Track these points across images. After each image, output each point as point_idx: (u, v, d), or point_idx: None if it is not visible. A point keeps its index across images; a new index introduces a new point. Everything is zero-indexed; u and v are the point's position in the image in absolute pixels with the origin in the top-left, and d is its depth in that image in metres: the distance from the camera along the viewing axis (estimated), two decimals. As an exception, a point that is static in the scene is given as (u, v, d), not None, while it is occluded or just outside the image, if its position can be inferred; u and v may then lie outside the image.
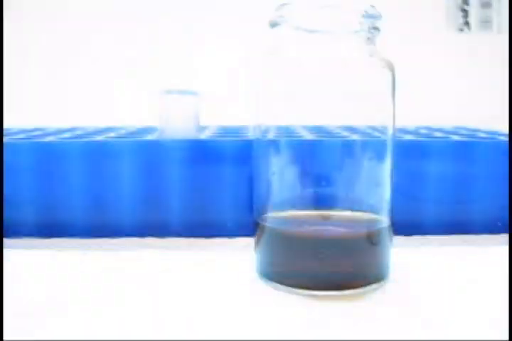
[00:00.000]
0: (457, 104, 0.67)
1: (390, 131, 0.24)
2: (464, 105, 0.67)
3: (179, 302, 0.22)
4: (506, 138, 0.34)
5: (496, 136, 0.37)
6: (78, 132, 0.39)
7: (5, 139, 0.33)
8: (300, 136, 0.31)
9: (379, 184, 0.24)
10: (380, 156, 0.24)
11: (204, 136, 0.35)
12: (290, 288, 0.23)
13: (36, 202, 0.32)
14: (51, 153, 0.31)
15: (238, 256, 0.29)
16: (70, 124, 0.48)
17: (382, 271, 0.24)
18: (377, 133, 0.24)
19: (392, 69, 0.24)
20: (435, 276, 0.25)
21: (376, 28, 0.24)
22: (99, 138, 0.33)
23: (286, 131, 0.25)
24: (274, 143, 0.25)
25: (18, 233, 0.31)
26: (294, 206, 0.25)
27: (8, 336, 0.19)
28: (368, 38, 0.24)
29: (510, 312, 0.21)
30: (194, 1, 0.46)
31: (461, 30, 0.68)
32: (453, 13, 0.68)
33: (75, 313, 0.21)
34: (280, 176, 0.24)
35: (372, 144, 0.24)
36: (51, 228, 0.32)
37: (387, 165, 0.24)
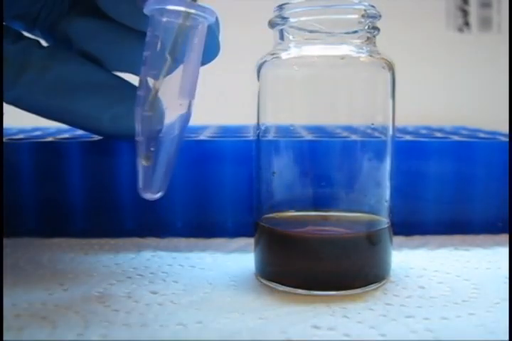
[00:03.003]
0: (457, 104, 0.67)
1: (390, 131, 0.24)
2: (463, 105, 0.67)
3: (178, 303, 0.22)
4: (506, 138, 0.34)
5: (496, 136, 0.37)
6: (78, 132, 0.39)
7: (5, 139, 0.33)
8: (300, 136, 0.31)
9: (379, 184, 0.24)
10: (380, 156, 0.24)
11: (204, 136, 0.35)
12: (290, 288, 0.23)
13: (36, 202, 0.32)
14: (51, 153, 0.31)
15: (238, 256, 0.29)
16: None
17: (382, 271, 0.24)
18: (377, 134, 0.24)
19: (392, 69, 0.24)
20: (435, 276, 0.25)
21: (376, 28, 0.24)
22: (99, 138, 0.33)
23: (286, 131, 0.25)
24: (274, 143, 0.25)
25: (18, 233, 0.31)
26: (294, 206, 0.25)
27: (8, 336, 0.19)
28: (368, 38, 0.24)
29: (510, 312, 0.21)
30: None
31: (461, 30, 0.68)
32: (453, 13, 0.68)
33: (75, 314, 0.21)
34: (280, 176, 0.25)
35: (372, 144, 0.24)
36: (51, 228, 0.32)
37: (387, 166, 0.24)
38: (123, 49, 0.27)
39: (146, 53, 0.22)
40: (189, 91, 0.23)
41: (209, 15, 0.22)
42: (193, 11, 0.22)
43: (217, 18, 0.25)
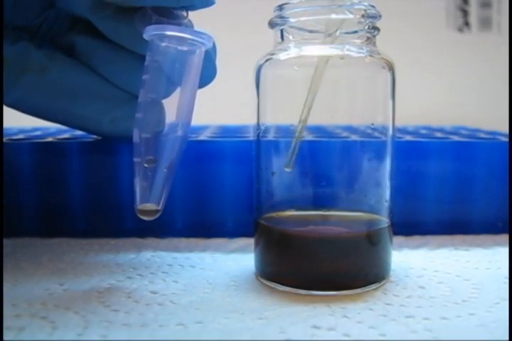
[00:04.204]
0: (457, 104, 0.67)
1: (390, 131, 0.24)
2: (463, 105, 0.67)
3: (178, 303, 0.22)
4: (506, 138, 0.34)
5: (496, 136, 0.37)
6: (78, 132, 0.39)
7: (5, 139, 0.33)
8: (300, 136, 0.31)
9: (379, 184, 0.24)
10: (380, 156, 0.24)
11: (204, 136, 0.35)
12: (290, 288, 0.23)
13: (36, 202, 0.32)
14: (51, 153, 0.31)
15: (238, 256, 0.29)
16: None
17: (382, 270, 0.24)
18: (377, 134, 0.24)
19: (392, 69, 0.24)
20: (435, 276, 0.25)
21: (376, 28, 0.24)
22: (98, 138, 0.33)
23: (286, 131, 0.25)
24: (274, 143, 0.25)
25: (18, 233, 0.31)
26: (294, 206, 0.25)
27: (8, 336, 0.19)
28: (368, 38, 0.24)
29: (510, 312, 0.21)
30: None
31: (461, 30, 0.68)
32: (453, 13, 0.68)
33: (75, 314, 0.21)
34: (280, 176, 0.25)
35: (372, 144, 0.24)
36: (51, 228, 0.32)
37: (387, 166, 0.24)
38: (121, 69, 0.27)
39: (145, 77, 0.23)
40: (186, 114, 0.24)
41: (206, 40, 0.23)
42: (191, 36, 0.22)
43: (214, 43, 0.26)
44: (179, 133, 0.23)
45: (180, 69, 0.23)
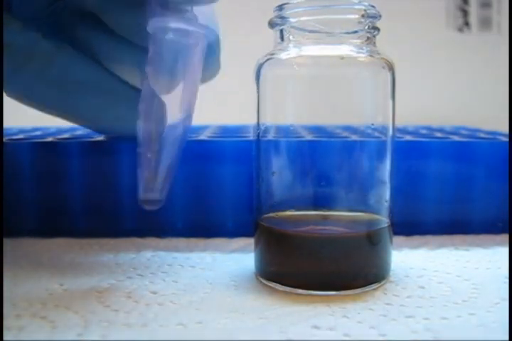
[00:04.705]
0: (457, 104, 0.67)
1: (390, 131, 0.24)
2: (463, 105, 0.67)
3: (178, 303, 0.22)
4: (506, 138, 0.34)
5: (496, 136, 0.37)
6: (78, 132, 0.39)
7: (5, 139, 0.33)
8: (300, 136, 0.31)
9: (379, 184, 0.24)
10: (380, 156, 0.24)
11: (204, 136, 0.35)
12: (290, 288, 0.23)
13: (36, 202, 0.32)
14: (51, 153, 0.31)
15: (238, 256, 0.29)
16: (70, 124, 0.47)
17: (382, 271, 0.24)
18: (377, 134, 0.24)
19: (392, 69, 0.24)
20: (435, 276, 0.25)
21: (376, 28, 0.24)
22: (99, 138, 0.33)
23: (286, 131, 0.25)
24: (274, 143, 0.25)
25: (18, 233, 0.31)
26: (294, 206, 0.25)
27: (8, 336, 0.19)
28: (368, 38, 0.24)
29: (510, 312, 0.21)
30: None
31: (461, 30, 0.68)
32: (453, 13, 0.68)
33: (75, 314, 0.21)
34: (280, 176, 0.25)
35: (372, 144, 0.25)
36: (51, 228, 0.32)
37: (387, 166, 0.24)
38: (126, 63, 0.27)
39: (148, 69, 0.23)
40: (188, 106, 0.24)
41: (209, 33, 0.23)
42: (193, 29, 0.22)
43: (218, 38, 0.26)
44: (181, 125, 0.23)
45: (183, 62, 0.23)
